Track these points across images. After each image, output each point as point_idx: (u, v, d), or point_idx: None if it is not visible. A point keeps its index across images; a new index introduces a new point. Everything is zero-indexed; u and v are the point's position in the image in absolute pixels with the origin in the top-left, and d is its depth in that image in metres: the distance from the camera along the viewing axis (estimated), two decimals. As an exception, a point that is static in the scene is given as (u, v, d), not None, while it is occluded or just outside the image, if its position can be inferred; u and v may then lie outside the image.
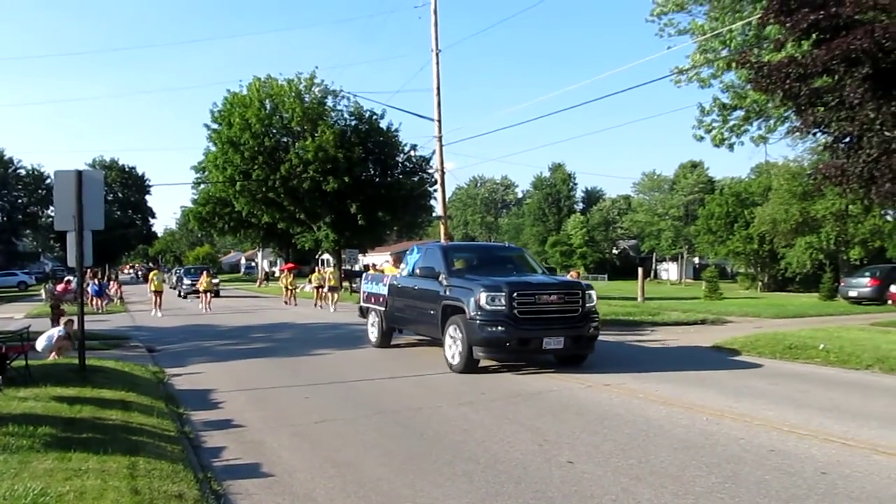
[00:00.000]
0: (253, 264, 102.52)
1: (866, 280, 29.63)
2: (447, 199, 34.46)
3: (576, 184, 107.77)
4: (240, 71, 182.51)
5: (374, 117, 45.02)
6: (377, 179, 45.00)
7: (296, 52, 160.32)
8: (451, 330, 11.57)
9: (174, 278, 50.53)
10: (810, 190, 38.17)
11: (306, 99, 44.21)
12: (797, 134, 15.77)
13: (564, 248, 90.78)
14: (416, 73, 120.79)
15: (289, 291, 33.96)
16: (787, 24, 13.73)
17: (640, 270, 31.30)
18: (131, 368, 11.66)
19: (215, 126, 45.05)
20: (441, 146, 31.81)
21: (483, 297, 10.92)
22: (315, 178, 41.11)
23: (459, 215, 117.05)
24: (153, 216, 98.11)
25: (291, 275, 35.38)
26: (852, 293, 29.71)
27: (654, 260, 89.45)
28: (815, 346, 13.04)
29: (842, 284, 32.41)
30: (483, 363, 11.65)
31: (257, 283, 63.96)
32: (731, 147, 27.10)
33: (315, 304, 31.22)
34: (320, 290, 31.58)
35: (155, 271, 30.65)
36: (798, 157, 42.89)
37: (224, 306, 31.67)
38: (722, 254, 60.66)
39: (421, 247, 14.46)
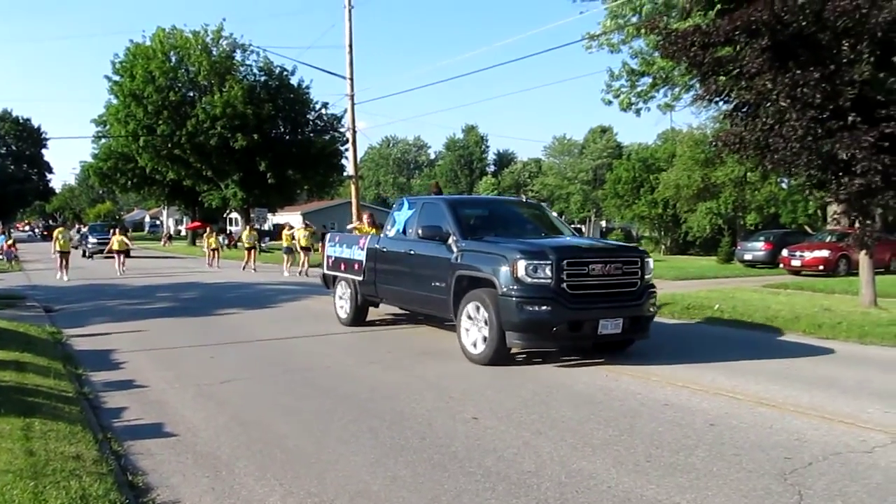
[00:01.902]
0: (158, 223, 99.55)
1: (761, 244, 31.02)
2: (359, 159, 34.18)
3: (488, 146, 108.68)
4: (143, 21, 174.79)
5: (285, 73, 44.23)
6: (287, 137, 44.34)
7: (203, 3, 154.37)
8: (469, 309, 9.09)
9: (77, 236, 48.31)
10: (711, 157, 39.47)
11: (214, 52, 43.03)
12: (700, 102, 16.22)
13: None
14: (328, 29, 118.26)
15: (212, 252, 31.56)
16: (693, -7, 14.09)
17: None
18: (26, 329, 11.23)
19: (117, 78, 43.36)
20: (353, 105, 31.48)
21: (522, 266, 8.42)
22: (223, 135, 40.14)
23: (371, 175, 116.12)
24: (50, 171, 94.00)
25: (215, 234, 33.12)
26: (748, 256, 31.07)
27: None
28: (711, 307, 13.63)
29: (738, 248, 33.80)
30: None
31: (162, 242, 62.17)
32: (637, 112, 27.73)
33: (244, 267, 28.46)
34: (250, 251, 29.04)
35: (60, 229, 25.98)
36: (701, 125, 44.19)
37: (140, 269, 28.85)
38: (628, 217, 62.23)
39: (413, 200, 11.70)
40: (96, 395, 7.39)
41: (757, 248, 30.80)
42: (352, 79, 30.77)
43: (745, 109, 14.20)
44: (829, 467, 5.07)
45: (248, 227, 32.91)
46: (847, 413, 6.46)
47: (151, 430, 6.09)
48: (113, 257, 27.11)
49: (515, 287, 8.45)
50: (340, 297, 12.69)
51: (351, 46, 30.48)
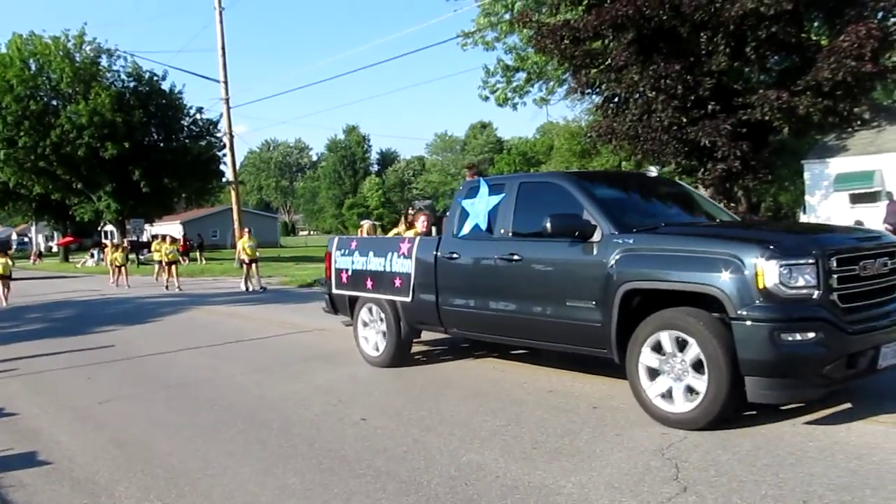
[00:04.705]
0: (26, 240, 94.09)
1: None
2: (238, 164, 33.44)
3: (370, 146, 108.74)
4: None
5: (155, 78, 42.81)
6: (161, 144, 42.91)
7: (60, 8, 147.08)
8: (656, 340, 5.78)
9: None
10: (588, 148, 40.93)
11: (77, 58, 41.05)
12: (573, 94, 16.78)
13: (361, 209, 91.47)
14: (199, 31, 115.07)
15: (117, 269, 27.47)
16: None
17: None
18: None
19: (-30, 88, 40.68)
20: (228, 108, 30.88)
21: (773, 269, 5.18)
22: (91, 144, 38.40)
23: (253, 180, 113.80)
24: None
25: (118, 249, 29.24)
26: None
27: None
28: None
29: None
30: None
31: (31, 261, 58.81)
32: (514, 107, 28.41)
33: (165, 286, 24.16)
34: (172, 267, 24.42)
35: None
36: (576, 118, 45.78)
37: (33, 294, 24.42)
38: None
39: (498, 181, 7.79)
40: (-41, 427, 6.92)
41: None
42: (226, 82, 30.12)
43: (615, 101, 14.79)
44: (703, 439, 5.31)
45: (167, 239, 27.60)
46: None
47: (23, 461, 5.75)
48: None
49: (762, 305, 5.22)
50: (366, 326, 9.07)
51: (224, 49, 29.82)
